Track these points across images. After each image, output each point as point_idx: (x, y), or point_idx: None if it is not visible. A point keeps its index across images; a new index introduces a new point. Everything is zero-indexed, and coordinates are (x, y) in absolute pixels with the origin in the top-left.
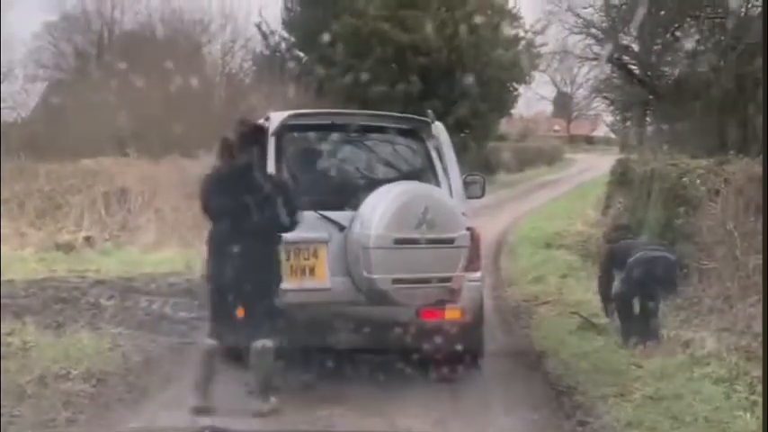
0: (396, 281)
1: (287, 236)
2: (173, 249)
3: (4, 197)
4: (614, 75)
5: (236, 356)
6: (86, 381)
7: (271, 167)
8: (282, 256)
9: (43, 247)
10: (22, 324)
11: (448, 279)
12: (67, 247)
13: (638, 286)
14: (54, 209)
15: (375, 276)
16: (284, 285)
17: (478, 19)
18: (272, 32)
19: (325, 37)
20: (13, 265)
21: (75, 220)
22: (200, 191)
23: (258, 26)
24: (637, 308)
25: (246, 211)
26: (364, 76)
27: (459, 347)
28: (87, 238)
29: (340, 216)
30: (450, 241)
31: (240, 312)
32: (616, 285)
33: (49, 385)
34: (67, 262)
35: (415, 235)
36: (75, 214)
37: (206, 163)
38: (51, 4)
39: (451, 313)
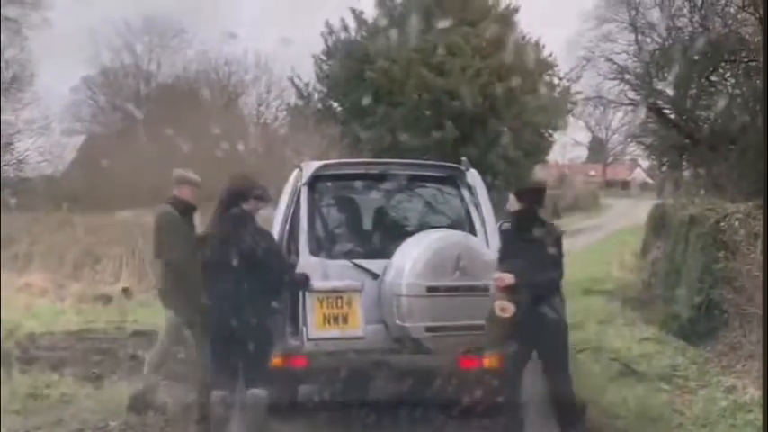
0: (429, 329)
1: (320, 284)
2: None
3: (43, 249)
4: (650, 119)
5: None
6: None
7: (303, 218)
8: (316, 305)
9: (82, 299)
10: (61, 376)
11: (482, 326)
12: (106, 299)
13: None
14: (92, 261)
15: (408, 324)
16: (318, 334)
17: (514, 68)
18: (306, 84)
19: (360, 84)
20: (51, 317)
21: (114, 271)
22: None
23: (291, 79)
24: None
25: (237, 262)
26: (399, 124)
27: (497, 394)
28: (125, 290)
29: (373, 264)
30: (485, 288)
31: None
32: None
33: None
34: (106, 313)
35: (449, 283)
36: (113, 266)
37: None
38: (89, 58)
39: (490, 361)
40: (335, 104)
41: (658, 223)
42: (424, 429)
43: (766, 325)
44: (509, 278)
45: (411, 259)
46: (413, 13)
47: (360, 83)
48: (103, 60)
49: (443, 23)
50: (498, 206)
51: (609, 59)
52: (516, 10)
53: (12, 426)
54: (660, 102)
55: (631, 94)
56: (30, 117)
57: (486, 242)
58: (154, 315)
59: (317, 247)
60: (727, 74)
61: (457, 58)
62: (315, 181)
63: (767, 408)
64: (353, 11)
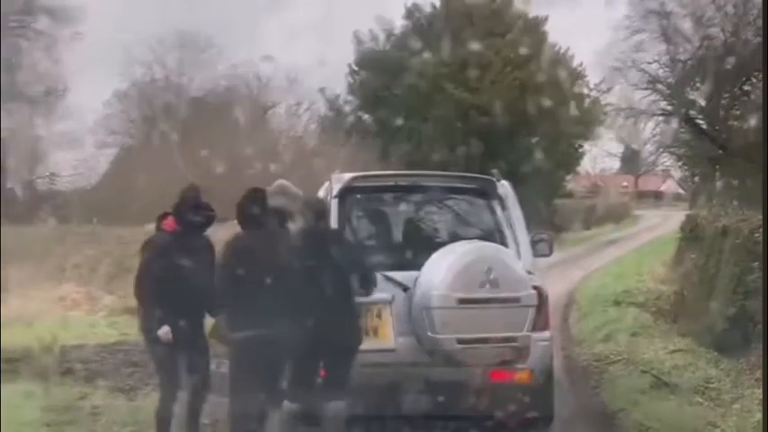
0: (460, 341)
1: None
2: None
3: (75, 261)
4: (682, 130)
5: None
6: None
7: None
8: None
9: (114, 311)
10: (94, 388)
11: (514, 339)
12: (138, 311)
13: None
14: (124, 273)
15: (439, 337)
16: None
17: (544, 79)
18: (337, 96)
19: (388, 98)
20: (84, 329)
21: None
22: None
23: (322, 91)
24: None
25: (323, 273)
26: (427, 137)
27: (528, 408)
28: None
29: (404, 276)
30: (516, 300)
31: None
32: None
33: None
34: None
35: (479, 295)
36: None
37: None
38: (121, 72)
39: (520, 374)
40: (366, 116)
41: (691, 234)
42: None
43: (766, 328)
44: None
45: (442, 271)
46: (441, 25)
47: (389, 96)
48: (135, 75)
49: (472, 36)
50: (530, 218)
51: (640, 69)
52: (545, 20)
53: None
54: (692, 112)
55: (663, 104)
56: (62, 130)
57: (518, 254)
58: None
59: None
60: (760, 83)
61: (486, 71)
62: (345, 193)
63: (767, 407)
64: (382, 20)
